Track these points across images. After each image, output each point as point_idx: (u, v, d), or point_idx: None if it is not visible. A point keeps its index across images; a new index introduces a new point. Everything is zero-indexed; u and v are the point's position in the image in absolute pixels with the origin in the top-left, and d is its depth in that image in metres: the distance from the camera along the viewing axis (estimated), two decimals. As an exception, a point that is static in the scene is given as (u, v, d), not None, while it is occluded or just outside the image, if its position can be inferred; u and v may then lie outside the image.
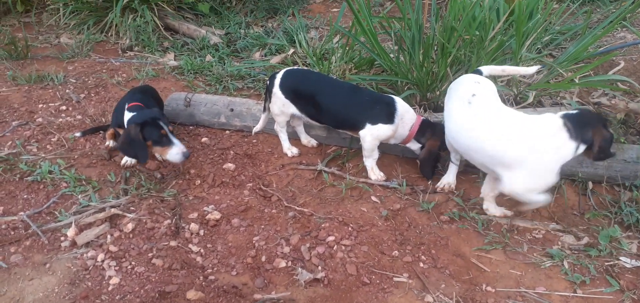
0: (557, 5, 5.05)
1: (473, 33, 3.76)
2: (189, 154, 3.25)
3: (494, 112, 2.73)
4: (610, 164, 3.11)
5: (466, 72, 3.85)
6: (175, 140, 3.22)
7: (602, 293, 2.42)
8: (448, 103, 2.98)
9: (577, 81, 3.87)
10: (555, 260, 2.61)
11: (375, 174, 3.30)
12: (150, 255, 2.64)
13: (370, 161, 3.31)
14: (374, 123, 3.18)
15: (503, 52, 3.86)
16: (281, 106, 3.43)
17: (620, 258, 2.61)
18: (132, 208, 3.00)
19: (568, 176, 3.20)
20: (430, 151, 3.21)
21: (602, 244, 2.66)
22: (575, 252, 2.67)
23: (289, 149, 3.59)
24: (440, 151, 3.21)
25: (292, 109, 3.43)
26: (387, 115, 3.18)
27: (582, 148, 2.58)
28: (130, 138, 3.14)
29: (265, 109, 3.64)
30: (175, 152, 3.19)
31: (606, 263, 2.58)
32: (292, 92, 3.39)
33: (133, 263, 2.58)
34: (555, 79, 4.01)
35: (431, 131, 3.22)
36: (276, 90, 3.42)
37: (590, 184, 3.14)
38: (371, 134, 3.19)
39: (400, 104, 3.24)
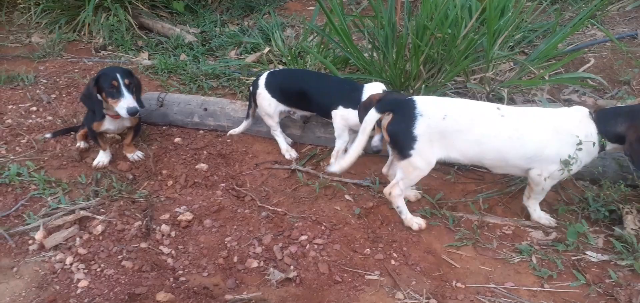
0: (528, 3, 5.12)
1: (445, 31, 3.79)
2: (136, 111, 3.22)
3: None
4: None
5: (439, 71, 3.90)
6: (126, 93, 3.20)
7: (568, 288, 2.47)
8: None
9: (547, 78, 3.93)
10: (524, 256, 2.65)
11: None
12: (119, 257, 2.62)
13: (340, 142, 3.36)
14: (345, 106, 3.25)
15: (475, 50, 3.90)
16: (267, 106, 3.44)
17: (587, 252, 2.66)
18: (102, 210, 2.96)
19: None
20: None
21: (569, 239, 2.71)
22: (544, 247, 2.72)
23: (287, 151, 3.56)
24: None
25: (281, 107, 3.46)
26: (356, 100, 3.20)
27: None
28: (89, 90, 3.23)
29: (249, 116, 3.65)
30: (122, 105, 3.18)
31: (573, 258, 2.63)
32: (279, 89, 3.43)
33: (102, 265, 2.56)
34: (527, 76, 4.07)
35: None
36: (262, 90, 3.45)
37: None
38: (340, 116, 3.26)
39: (368, 90, 3.23)
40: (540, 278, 2.52)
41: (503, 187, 3.19)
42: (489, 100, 3.87)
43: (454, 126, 2.62)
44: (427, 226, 2.88)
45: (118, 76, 3.19)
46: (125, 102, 3.17)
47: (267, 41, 5.27)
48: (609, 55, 4.51)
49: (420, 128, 2.61)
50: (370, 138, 2.84)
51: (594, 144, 2.61)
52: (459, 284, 2.50)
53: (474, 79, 3.96)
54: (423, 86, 3.76)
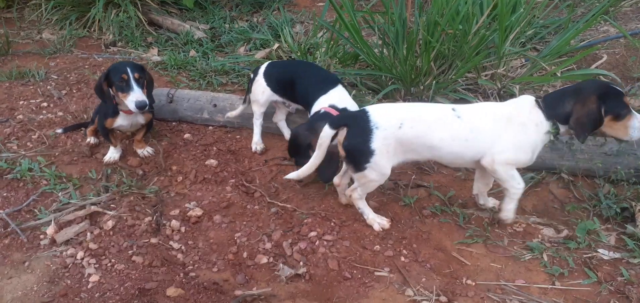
0: (540, -1, 5.08)
1: (456, 27, 3.77)
2: (145, 105, 3.19)
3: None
4: (592, 157, 3.14)
5: (449, 67, 3.87)
6: (135, 87, 3.19)
7: (580, 285, 2.44)
8: None
9: (559, 74, 3.90)
10: (535, 253, 2.63)
11: None
12: (130, 252, 2.63)
13: None
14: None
15: (486, 46, 3.88)
16: (260, 94, 3.46)
17: (599, 250, 2.63)
18: (112, 205, 2.97)
19: (549, 168, 3.22)
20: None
21: (581, 237, 2.69)
22: (555, 245, 2.70)
23: (257, 144, 3.58)
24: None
25: (274, 96, 3.47)
26: None
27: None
28: (100, 82, 3.25)
29: (245, 100, 3.68)
30: (131, 99, 3.17)
31: (584, 256, 2.61)
32: (275, 79, 3.45)
33: (113, 260, 2.57)
34: (539, 72, 4.03)
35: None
36: (259, 77, 3.48)
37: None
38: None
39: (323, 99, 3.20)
40: (551, 275, 2.50)
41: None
42: (500, 97, 3.85)
43: (411, 133, 2.58)
44: (438, 223, 2.87)
45: (128, 69, 3.19)
46: (134, 96, 3.17)
47: (276, 37, 5.26)
48: (622, 51, 4.46)
49: (377, 141, 2.56)
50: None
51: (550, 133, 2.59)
52: (469, 281, 2.49)
53: (485, 76, 3.94)
54: (434, 82, 3.75)
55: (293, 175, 2.83)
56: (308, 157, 2.83)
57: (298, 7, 6.42)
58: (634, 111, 2.53)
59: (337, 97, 3.17)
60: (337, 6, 3.88)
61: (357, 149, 2.60)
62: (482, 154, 2.62)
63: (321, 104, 3.16)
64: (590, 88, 2.55)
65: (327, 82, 3.28)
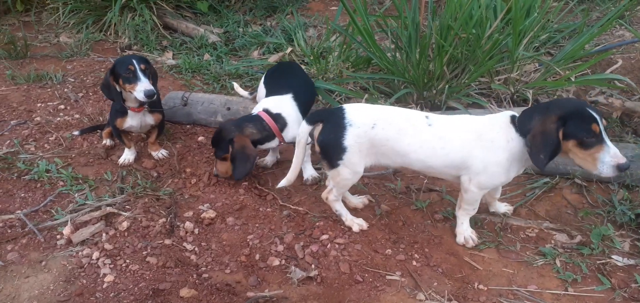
0: (555, 3, 5.05)
1: (470, 32, 3.77)
2: (154, 94, 3.22)
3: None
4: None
5: (462, 71, 3.87)
6: (142, 77, 3.22)
7: (593, 291, 2.43)
8: None
9: (573, 79, 3.87)
10: (548, 259, 2.62)
11: None
12: (144, 253, 2.66)
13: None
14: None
15: (500, 50, 3.87)
16: (261, 95, 3.55)
17: (613, 256, 2.61)
18: (127, 206, 3.02)
19: (562, 174, 3.21)
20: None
21: (595, 242, 2.67)
22: (568, 251, 2.68)
23: None
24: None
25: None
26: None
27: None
28: (106, 79, 3.29)
29: (251, 93, 3.89)
30: (138, 89, 3.20)
31: (598, 262, 2.59)
32: (268, 80, 3.54)
33: (127, 261, 2.61)
34: (553, 77, 4.01)
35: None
36: (262, 79, 3.61)
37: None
38: None
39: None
40: (564, 281, 2.49)
41: (527, 190, 3.15)
42: (514, 101, 3.83)
43: (383, 134, 2.57)
44: (450, 227, 2.87)
45: (134, 61, 3.24)
46: (142, 86, 3.19)
47: (289, 41, 5.30)
48: (638, 56, 4.41)
49: (349, 139, 2.57)
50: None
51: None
52: (481, 286, 2.48)
53: (499, 80, 3.93)
54: (446, 86, 3.75)
55: (283, 183, 2.85)
56: (226, 151, 3.08)
57: (311, 11, 6.45)
58: (608, 143, 2.27)
59: (273, 104, 3.23)
60: (350, 10, 3.90)
61: (330, 145, 2.62)
62: (455, 166, 2.57)
63: (260, 105, 3.26)
64: (556, 107, 2.36)
65: (279, 87, 3.36)
